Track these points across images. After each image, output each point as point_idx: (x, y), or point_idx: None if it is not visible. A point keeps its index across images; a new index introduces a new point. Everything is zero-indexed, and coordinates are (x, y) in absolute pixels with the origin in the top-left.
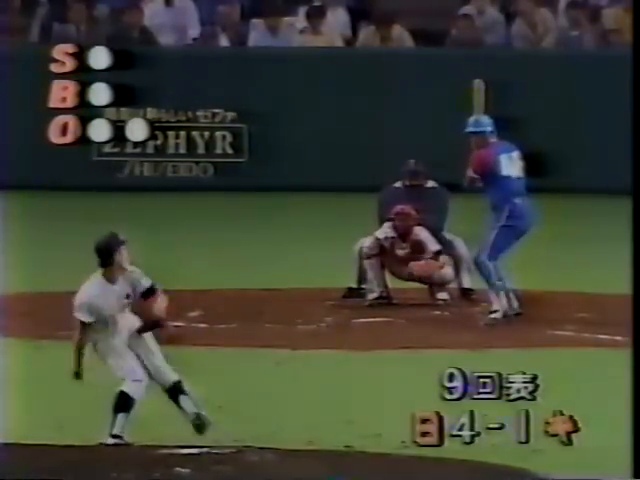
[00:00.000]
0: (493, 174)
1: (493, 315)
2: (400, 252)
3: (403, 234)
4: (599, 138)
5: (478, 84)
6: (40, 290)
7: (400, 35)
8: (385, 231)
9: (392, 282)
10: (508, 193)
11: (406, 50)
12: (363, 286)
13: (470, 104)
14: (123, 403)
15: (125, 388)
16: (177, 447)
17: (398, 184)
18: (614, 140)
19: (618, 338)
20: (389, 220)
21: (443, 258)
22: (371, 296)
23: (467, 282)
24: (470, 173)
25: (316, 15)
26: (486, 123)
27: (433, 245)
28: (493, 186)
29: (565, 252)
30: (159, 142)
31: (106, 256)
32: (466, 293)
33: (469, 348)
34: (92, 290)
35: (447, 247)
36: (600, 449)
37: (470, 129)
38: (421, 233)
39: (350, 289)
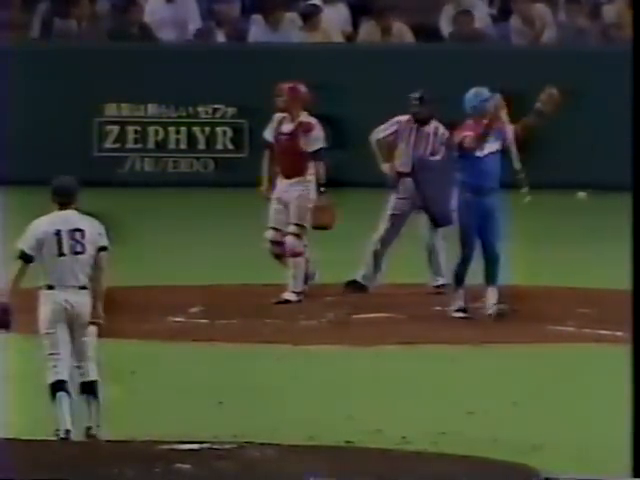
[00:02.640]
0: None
1: (495, 310)
2: (286, 128)
3: (290, 113)
4: (598, 134)
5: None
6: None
7: (400, 30)
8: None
9: (393, 278)
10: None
11: (406, 46)
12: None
13: None
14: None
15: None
16: (178, 443)
17: (403, 117)
18: (613, 136)
19: (618, 334)
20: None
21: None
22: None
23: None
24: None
25: (311, 14)
26: (486, 93)
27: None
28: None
29: (565, 248)
30: (160, 137)
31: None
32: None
33: (470, 344)
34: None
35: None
36: (600, 448)
37: (474, 103)
38: (310, 119)
39: (350, 282)
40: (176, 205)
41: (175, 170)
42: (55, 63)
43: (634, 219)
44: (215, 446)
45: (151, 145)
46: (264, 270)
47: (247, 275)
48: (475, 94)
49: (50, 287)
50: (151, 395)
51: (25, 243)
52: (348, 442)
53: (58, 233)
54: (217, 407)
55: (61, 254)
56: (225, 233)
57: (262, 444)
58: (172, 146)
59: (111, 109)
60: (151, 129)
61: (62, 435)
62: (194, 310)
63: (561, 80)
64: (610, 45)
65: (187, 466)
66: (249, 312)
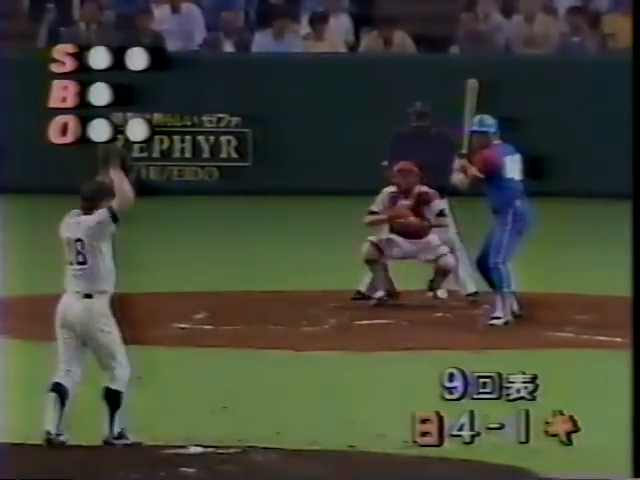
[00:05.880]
0: (498, 175)
1: (494, 321)
2: (404, 202)
3: (405, 190)
4: (599, 142)
5: (472, 84)
6: (48, 292)
7: (402, 40)
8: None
9: (397, 284)
10: (511, 195)
11: (408, 55)
12: (362, 290)
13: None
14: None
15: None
16: (182, 447)
17: (404, 127)
18: (614, 144)
19: (618, 339)
20: (392, 178)
21: (444, 221)
22: (377, 295)
23: (471, 287)
24: (474, 172)
25: (319, 21)
26: (490, 123)
27: (439, 204)
28: (496, 188)
29: (565, 254)
30: (165, 146)
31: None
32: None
33: (470, 350)
34: None
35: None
36: (600, 449)
37: (474, 128)
38: (423, 188)
39: (359, 292)
40: (181, 213)
41: (180, 178)
42: None
43: (634, 226)
44: (219, 450)
45: (156, 154)
46: (267, 277)
47: (251, 282)
48: (479, 121)
49: None
50: (156, 400)
51: None
52: (351, 447)
53: None
54: (221, 412)
55: None
56: (229, 240)
57: (266, 448)
58: (177, 155)
59: (116, 118)
60: (156, 138)
61: (43, 437)
62: (199, 316)
63: (562, 89)
64: (610, 54)
65: (192, 470)
66: (253, 318)
